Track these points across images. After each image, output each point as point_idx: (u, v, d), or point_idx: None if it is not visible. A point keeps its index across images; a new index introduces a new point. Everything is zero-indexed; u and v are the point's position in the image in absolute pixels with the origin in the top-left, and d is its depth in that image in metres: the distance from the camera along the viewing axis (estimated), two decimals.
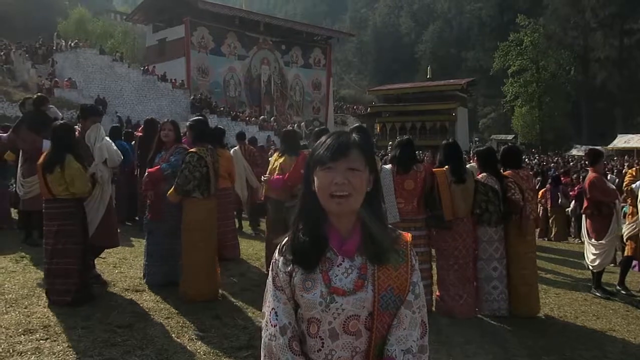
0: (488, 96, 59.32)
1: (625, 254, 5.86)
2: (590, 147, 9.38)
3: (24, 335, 3.42)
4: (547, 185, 11.31)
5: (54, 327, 3.59)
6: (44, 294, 4.19)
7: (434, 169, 4.70)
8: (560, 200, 10.85)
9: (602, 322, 4.62)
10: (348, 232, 1.33)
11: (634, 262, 6.40)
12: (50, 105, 6.59)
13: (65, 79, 27.00)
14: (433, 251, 4.80)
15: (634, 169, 6.31)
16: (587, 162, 6.47)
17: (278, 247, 1.39)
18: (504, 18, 62.22)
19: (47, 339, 3.39)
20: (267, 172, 5.38)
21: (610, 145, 35.96)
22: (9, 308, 3.92)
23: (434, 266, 4.80)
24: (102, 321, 3.75)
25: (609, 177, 8.76)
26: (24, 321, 3.67)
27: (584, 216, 6.06)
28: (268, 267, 5.50)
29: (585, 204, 5.88)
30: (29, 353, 3.16)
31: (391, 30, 78.40)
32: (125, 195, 7.88)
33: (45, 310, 3.93)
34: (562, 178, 12.03)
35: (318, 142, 1.36)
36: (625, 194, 5.98)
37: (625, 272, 5.86)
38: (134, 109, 28.70)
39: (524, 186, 4.69)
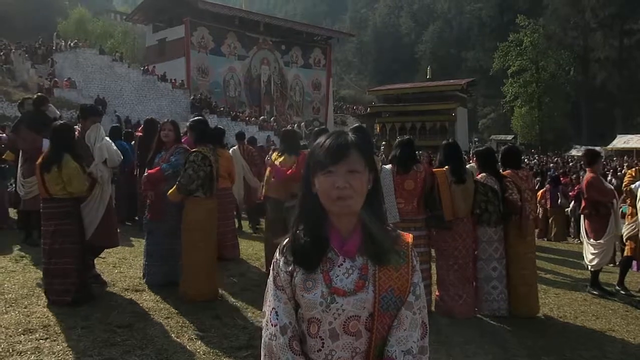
0: (488, 96, 59.36)
1: (625, 254, 5.87)
2: (589, 147, 9.39)
3: (23, 334, 3.42)
4: (547, 186, 11.32)
5: (54, 327, 3.59)
6: (43, 294, 4.19)
7: (434, 169, 4.70)
8: (559, 201, 10.86)
9: (602, 322, 4.62)
10: (349, 232, 1.33)
11: (633, 262, 6.40)
12: (49, 105, 6.59)
13: (65, 79, 26.98)
14: (433, 251, 4.80)
15: (633, 169, 6.31)
16: (584, 163, 6.47)
17: (279, 247, 1.39)
18: (503, 18, 62.25)
19: (46, 338, 3.39)
20: (267, 172, 5.39)
21: (610, 146, 36.00)
22: (8, 308, 3.92)
23: (433, 266, 4.80)
24: (101, 321, 3.75)
25: (609, 179, 8.78)
26: (23, 321, 3.67)
27: (582, 216, 6.07)
28: (267, 267, 5.50)
29: (583, 204, 5.90)
30: (29, 353, 3.16)
31: (391, 30, 78.44)
32: (125, 195, 7.89)
33: (45, 310, 3.93)
34: (561, 178, 12.05)
35: (316, 142, 1.36)
36: (624, 194, 5.98)
37: (624, 272, 5.87)
38: (134, 109, 28.68)
39: (523, 186, 4.70)
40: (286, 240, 1.37)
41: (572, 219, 10.87)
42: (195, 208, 4.38)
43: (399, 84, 52.84)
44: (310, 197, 1.33)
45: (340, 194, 1.27)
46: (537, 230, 7.98)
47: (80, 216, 4.32)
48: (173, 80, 32.16)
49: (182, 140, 5.13)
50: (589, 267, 5.75)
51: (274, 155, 5.48)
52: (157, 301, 4.34)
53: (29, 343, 3.29)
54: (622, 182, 6.85)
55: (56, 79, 26.66)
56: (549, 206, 10.97)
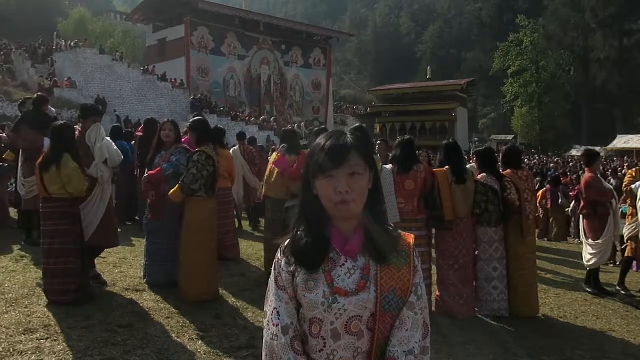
0: (488, 96, 59.41)
1: (626, 254, 5.88)
2: (588, 147, 9.40)
3: (24, 334, 3.43)
4: (547, 186, 11.32)
5: (54, 327, 3.59)
6: (44, 294, 4.19)
7: (434, 169, 4.70)
8: (560, 201, 10.86)
9: (602, 323, 4.63)
10: (350, 232, 1.33)
11: (634, 263, 6.41)
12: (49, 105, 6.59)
13: (65, 79, 26.97)
14: (433, 251, 4.80)
15: (633, 169, 6.32)
16: (583, 163, 6.49)
17: (280, 247, 1.38)
18: (503, 18, 62.29)
19: (47, 338, 3.39)
20: (267, 172, 5.39)
21: (610, 146, 36.03)
22: (9, 307, 3.92)
23: (434, 266, 4.80)
24: (102, 321, 3.75)
25: (609, 179, 8.78)
26: (24, 321, 3.67)
27: (581, 216, 6.07)
28: (267, 266, 5.49)
29: (581, 205, 5.90)
30: (30, 352, 3.16)
31: (391, 30, 78.53)
32: (125, 195, 7.88)
33: (46, 309, 3.93)
34: (562, 178, 12.05)
35: (316, 144, 1.34)
36: (624, 195, 5.99)
37: (625, 272, 5.87)
38: (134, 108, 28.65)
39: (523, 186, 4.70)
40: (288, 241, 1.37)
41: (573, 219, 10.87)
42: (197, 208, 4.38)
43: (399, 84, 52.81)
44: (311, 198, 1.33)
45: (342, 199, 1.27)
46: (537, 231, 7.97)
47: (80, 216, 4.32)
48: (173, 80, 32.15)
49: (182, 140, 5.13)
50: (586, 265, 5.77)
51: (274, 155, 5.49)
52: (157, 301, 4.34)
53: (30, 343, 3.29)
54: (622, 183, 6.85)
55: (56, 79, 26.65)
56: (549, 206, 10.97)
